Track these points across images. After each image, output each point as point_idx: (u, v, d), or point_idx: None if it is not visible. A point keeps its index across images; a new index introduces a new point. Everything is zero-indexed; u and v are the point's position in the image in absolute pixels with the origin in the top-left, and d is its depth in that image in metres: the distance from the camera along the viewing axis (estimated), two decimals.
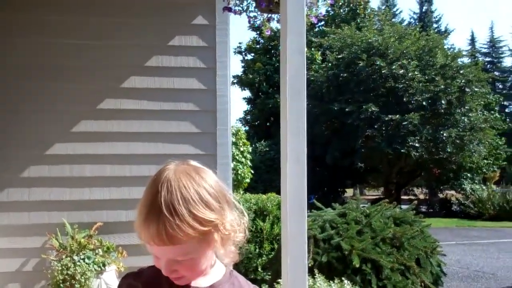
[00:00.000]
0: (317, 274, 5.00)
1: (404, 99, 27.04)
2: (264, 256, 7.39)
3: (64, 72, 6.84)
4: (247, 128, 33.67)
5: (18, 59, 6.75)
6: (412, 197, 34.80)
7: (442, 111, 27.36)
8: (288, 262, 4.01)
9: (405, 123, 26.10)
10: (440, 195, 33.26)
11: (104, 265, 5.95)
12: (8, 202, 6.57)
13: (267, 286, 5.07)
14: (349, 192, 39.81)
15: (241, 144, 15.27)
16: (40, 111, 6.75)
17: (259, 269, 7.29)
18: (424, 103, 27.13)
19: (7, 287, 6.54)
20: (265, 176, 25.34)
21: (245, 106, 41.70)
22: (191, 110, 7.12)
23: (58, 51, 6.84)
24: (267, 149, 28.50)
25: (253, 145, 24.44)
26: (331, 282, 4.95)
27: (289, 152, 4.09)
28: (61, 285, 5.57)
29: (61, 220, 6.44)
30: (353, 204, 6.55)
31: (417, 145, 26.40)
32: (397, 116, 26.21)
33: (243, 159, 14.98)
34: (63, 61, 6.83)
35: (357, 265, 5.42)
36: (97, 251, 6.09)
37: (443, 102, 27.09)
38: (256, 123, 34.65)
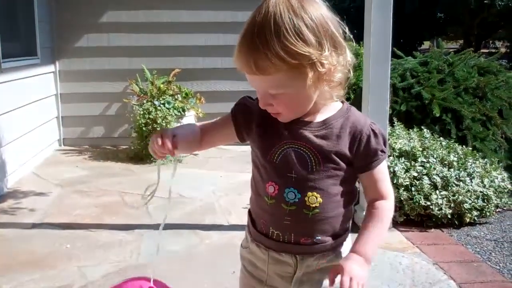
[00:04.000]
0: (396, 122, 4.94)
1: None
2: None
3: None
4: None
5: None
6: (493, 50, 33.23)
7: None
8: (368, 109, 3.96)
9: None
10: None
11: (183, 110, 6.08)
12: (88, 48, 6.69)
13: None
14: (426, 44, 38.42)
15: None
16: None
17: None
18: None
19: (92, 130, 6.86)
20: None
21: None
22: None
23: None
24: None
25: None
26: (410, 130, 4.89)
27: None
28: (144, 128, 5.78)
29: (140, 66, 6.54)
30: (435, 53, 6.28)
31: None
32: None
33: None
34: None
35: (437, 115, 5.28)
36: (176, 97, 6.21)
37: None
38: None
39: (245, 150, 6.24)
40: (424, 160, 4.21)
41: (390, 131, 4.66)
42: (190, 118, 6.20)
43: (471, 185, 4.11)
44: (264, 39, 1.27)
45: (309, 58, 1.28)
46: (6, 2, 5.07)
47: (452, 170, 4.20)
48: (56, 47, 6.64)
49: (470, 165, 4.32)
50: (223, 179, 5.36)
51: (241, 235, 3.86)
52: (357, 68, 7.64)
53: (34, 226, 4.03)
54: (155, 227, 3.97)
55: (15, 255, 3.48)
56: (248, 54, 1.30)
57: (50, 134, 6.51)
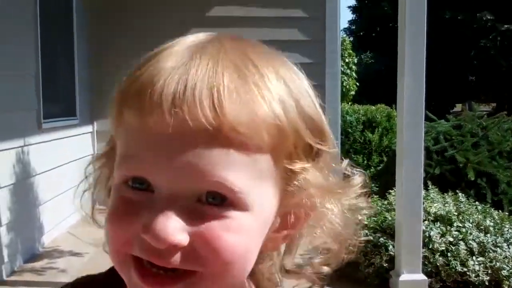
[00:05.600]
0: (430, 186, 4.91)
1: None
2: (372, 167, 7.32)
3: None
4: (351, 38, 32.78)
5: None
6: None
7: None
8: (403, 173, 3.95)
9: None
10: None
11: None
12: None
13: (376, 196, 5.06)
14: (458, 107, 38.33)
15: (346, 55, 14.90)
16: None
17: (367, 181, 7.23)
18: None
19: None
20: (369, 88, 24.85)
21: (350, 15, 40.37)
22: (299, 16, 6.98)
23: None
24: (373, 60, 27.78)
25: (358, 57, 23.85)
26: (444, 194, 4.85)
27: (407, 62, 3.93)
28: None
29: None
30: (468, 116, 6.29)
31: None
32: None
33: (348, 71, 14.67)
34: None
35: (472, 179, 5.25)
36: None
37: None
38: (361, 33, 33.63)
39: None
40: (460, 225, 4.16)
41: (425, 195, 4.63)
42: None
43: (509, 251, 4.03)
44: (263, 81, 0.59)
45: (321, 153, 0.64)
46: (48, 65, 5.27)
47: (488, 235, 4.13)
48: (94, 108, 6.82)
49: (507, 230, 4.25)
50: None
51: None
52: (390, 131, 7.69)
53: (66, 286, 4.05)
54: None
55: None
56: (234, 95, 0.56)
57: (85, 194, 6.60)
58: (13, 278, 4.23)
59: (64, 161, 5.73)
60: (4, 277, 4.20)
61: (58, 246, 5.07)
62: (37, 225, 4.98)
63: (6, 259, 4.25)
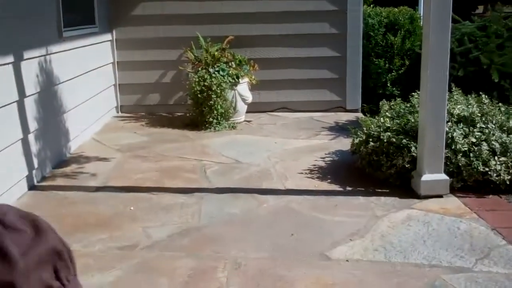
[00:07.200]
0: (453, 88, 4.87)
1: None
2: (394, 71, 7.23)
3: None
4: None
5: None
6: None
7: None
8: (428, 75, 3.91)
9: None
10: None
11: (237, 77, 6.14)
12: (143, 16, 6.79)
13: (399, 99, 5.03)
14: (480, 9, 37.11)
15: None
16: None
17: (389, 84, 7.19)
18: None
19: (148, 97, 7.01)
20: None
21: None
22: None
23: None
24: None
25: None
26: (468, 96, 4.81)
27: None
28: (199, 95, 5.87)
29: (195, 33, 6.60)
30: (494, 17, 6.12)
31: None
32: None
33: None
34: None
35: (496, 80, 5.18)
36: (230, 64, 6.27)
37: None
38: None
39: (298, 117, 6.31)
40: (483, 126, 4.16)
41: (448, 97, 4.60)
42: (244, 85, 6.25)
43: None
44: None
45: None
46: None
47: (511, 136, 4.13)
48: (113, 16, 6.76)
49: None
50: (277, 145, 5.41)
51: (297, 199, 3.95)
52: (413, 33, 7.54)
53: (98, 189, 4.19)
54: (214, 190, 4.08)
55: (81, 217, 3.64)
56: None
57: (108, 101, 6.68)
58: (44, 183, 4.37)
59: (86, 70, 5.75)
60: (35, 182, 4.34)
61: (83, 152, 5.20)
62: (63, 132, 5.07)
63: (36, 165, 4.37)
